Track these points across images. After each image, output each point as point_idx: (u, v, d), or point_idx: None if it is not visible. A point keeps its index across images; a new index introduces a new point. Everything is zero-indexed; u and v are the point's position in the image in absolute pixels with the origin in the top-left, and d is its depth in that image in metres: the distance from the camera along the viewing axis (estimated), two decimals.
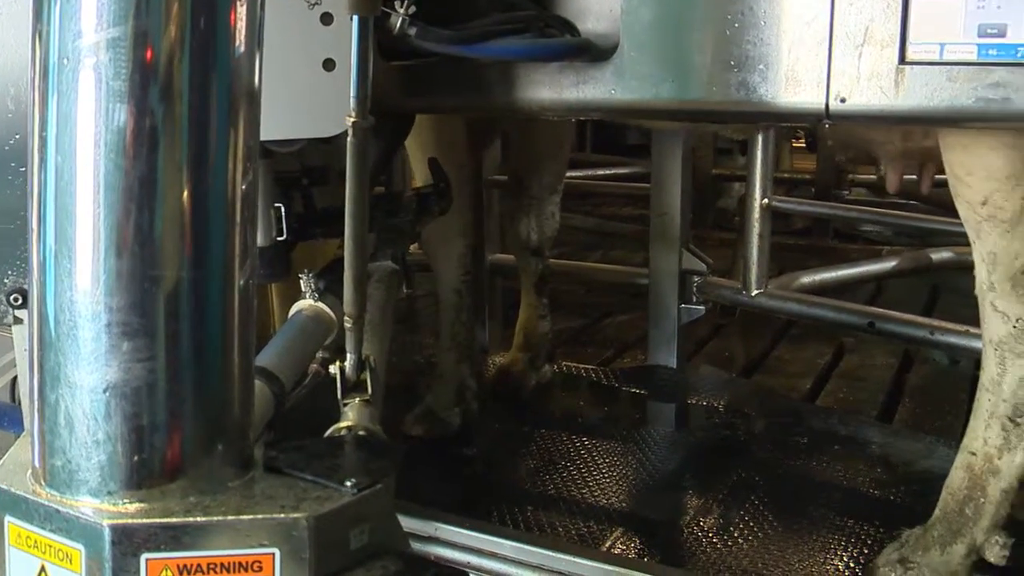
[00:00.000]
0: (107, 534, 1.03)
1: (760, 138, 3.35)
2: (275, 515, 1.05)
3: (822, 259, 4.97)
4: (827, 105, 1.68)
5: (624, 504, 2.57)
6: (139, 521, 1.04)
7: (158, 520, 1.04)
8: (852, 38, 1.65)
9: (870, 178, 6.18)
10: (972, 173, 1.89)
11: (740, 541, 2.36)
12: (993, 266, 1.95)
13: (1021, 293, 1.93)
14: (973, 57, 1.58)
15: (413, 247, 3.73)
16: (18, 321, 1.72)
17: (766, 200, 3.36)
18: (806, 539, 2.36)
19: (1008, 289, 1.94)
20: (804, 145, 7.01)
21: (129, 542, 1.03)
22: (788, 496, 2.59)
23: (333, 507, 1.07)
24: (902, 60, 1.62)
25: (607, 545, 2.33)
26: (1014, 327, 1.95)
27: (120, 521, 1.04)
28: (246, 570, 1.04)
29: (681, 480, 2.73)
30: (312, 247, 2.16)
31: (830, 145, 5.87)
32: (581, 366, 3.62)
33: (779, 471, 2.77)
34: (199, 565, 1.04)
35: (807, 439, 2.98)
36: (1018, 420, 2.00)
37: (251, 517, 1.04)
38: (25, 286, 1.67)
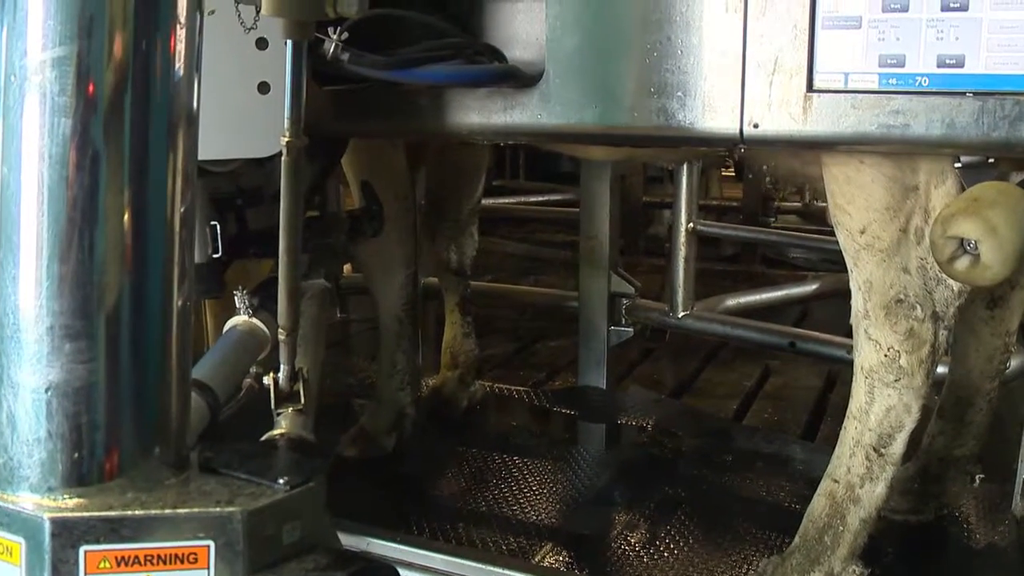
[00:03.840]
0: (47, 527, 1.07)
1: (686, 165, 3.46)
2: (210, 509, 1.10)
3: (749, 285, 5.10)
4: (741, 130, 1.77)
5: (554, 520, 2.61)
6: (78, 515, 1.08)
7: (97, 513, 1.08)
8: (763, 67, 1.73)
9: (795, 205, 6.38)
10: (853, 203, 1.93)
11: (666, 554, 2.41)
12: (868, 294, 1.98)
13: (894, 322, 1.95)
14: (875, 86, 1.67)
15: (351, 271, 3.79)
16: None
17: (691, 224, 3.47)
18: (730, 552, 2.42)
19: (882, 317, 1.96)
20: (733, 173, 7.25)
21: (68, 534, 1.07)
22: (713, 511, 2.65)
23: (266, 503, 1.12)
24: (810, 88, 1.71)
25: (537, 559, 2.37)
26: (885, 356, 1.97)
27: (60, 515, 1.08)
28: (182, 561, 1.08)
29: (609, 496, 2.78)
30: (246, 267, 2.19)
31: (768, 180, 6.07)
32: (512, 388, 3.66)
33: (705, 487, 2.83)
34: (137, 556, 1.08)
35: (732, 457, 3.05)
36: (882, 450, 2.01)
37: (187, 511, 1.09)
38: None
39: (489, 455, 3.02)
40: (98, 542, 1.07)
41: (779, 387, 3.84)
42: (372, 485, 2.79)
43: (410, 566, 2.18)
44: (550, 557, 2.39)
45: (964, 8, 1.60)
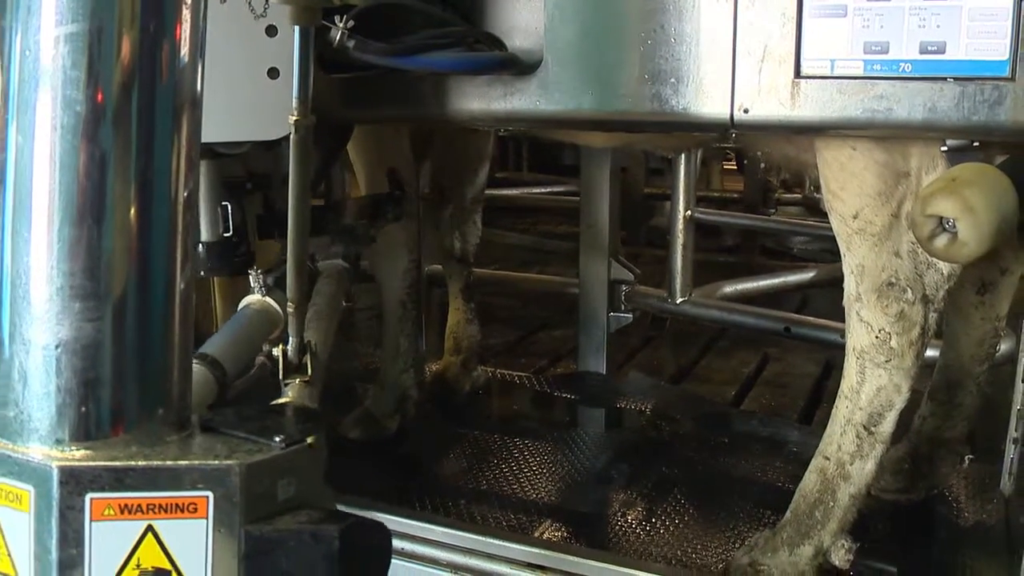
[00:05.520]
0: (55, 475, 1.13)
1: (684, 154, 3.52)
2: (209, 462, 1.16)
3: (749, 274, 5.14)
4: (732, 115, 1.82)
5: (553, 498, 2.66)
6: (85, 464, 1.14)
7: (102, 463, 1.14)
8: (753, 54, 1.79)
9: (795, 197, 6.43)
10: (845, 188, 1.98)
11: (662, 530, 2.47)
12: (861, 278, 2.03)
13: (885, 305, 2.00)
14: (860, 72, 1.72)
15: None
16: None
17: (689, 212, 3.53)
18: (724, 528, 2.47)
19: (874, 300, 2.01)
20: (734, 166, 7.31)
21: (75, 483, 1.13)
22: (709, 490, 2.70)
23: (262, 458, 1.18)
24: (797, 74, 1.76)
25: (536, 534, 2.42)
26: (876, 337, 2.02)
27: (67, 464, 1.14)
28: (183, 511, 1.14)
29: (608, 476, 2.83)
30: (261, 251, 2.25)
31: (763, 167, 6.12)
32: (514, 373, 3.72)
33: (701, 468, 2.88)
34: (139, 505, 1.14)
35: (729, 439, 3.10)
36: (872, 429, 2.06)
37: (187, 463, 1.15)
38: None
39: (490, 437, 3.07)
40: (103, 490, 1.13)
41: (777, 374, 3.88)
42: (375, 465, 2.84)
43: (412, 538, 2.23)
44: (549, 532, 2.44)
45: None
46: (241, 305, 1.94)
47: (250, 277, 1.95)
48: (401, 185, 2.61)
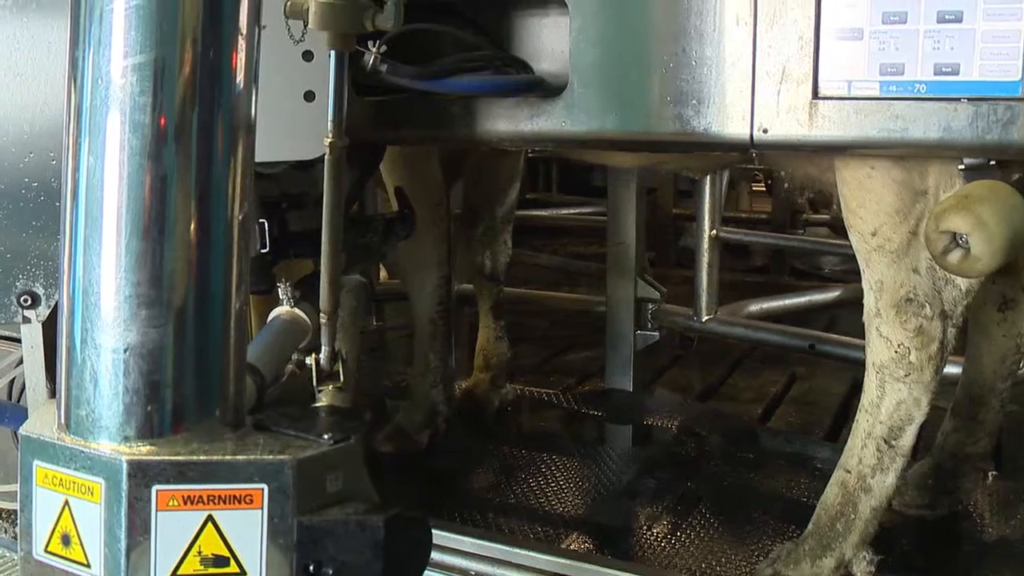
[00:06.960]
0: (124, 468, 1.23)
1: (710, 176, 3.57)
2: (265, 457, 1.25)
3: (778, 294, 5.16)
4: (752, 135, 1.87)
5: (580, 511, 2.70)
6: (151, 458, 1.24)
7: (167, 458, 1.24)
8: (772, 76, 1.84)
9: (823, 218, 6.45)
10: (864, 206, 2.03)
11: (687, 544, 2.49)
12: (880, 293, 2.07)
13: (904, 320, 2.04)
14: (876, 93, 1.78)
15: (388, 278, 3.92)
16: (26, 321, 1.90)
17: (714, 231, 3.57)
18: (749, 542, 2.49)
19: (892, 316, 2.05)
20: (763, 188, 7.33)
21: (143, 475, 1.23)
22: (734, 505, 2.73)
23: (313, 453, 1.28)
24: (815, 95, 1.81)
25: (563, 546, 2.46)
26: (896, 352, 2.06)
27: (135, 458, 1.24)
28: (240, 501, 1.24)
29: (634, 491, 2.86)
30: (291, 266, 2.33)
31: (786, 187, 6.14)
32: (542, 391, 3.76)
33: (726, 483, 2.90)
34: (201, 496, 1.23)
35: (754, 455, 3.12)
36: (892, 442, 2.10)
37: (244, 458, 1.25)
38: (34, 289, 1.88)
39: (518, 452, 3.11)
40: (168, 482, 1.23)
41: (804, 392, 3.89)
42: (406, 478, 2.89)
43: (442, 549, 2.28)
44: (576, 544, 2.48)
45: (958, 20, 1.71)
46: (271, 316, 2.01)
47: (279, 290, 2.03)
48: (409, 203, 2.68)
